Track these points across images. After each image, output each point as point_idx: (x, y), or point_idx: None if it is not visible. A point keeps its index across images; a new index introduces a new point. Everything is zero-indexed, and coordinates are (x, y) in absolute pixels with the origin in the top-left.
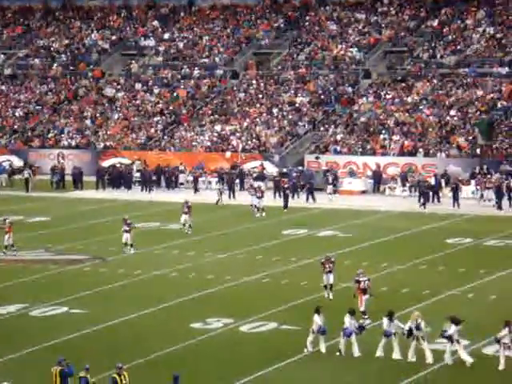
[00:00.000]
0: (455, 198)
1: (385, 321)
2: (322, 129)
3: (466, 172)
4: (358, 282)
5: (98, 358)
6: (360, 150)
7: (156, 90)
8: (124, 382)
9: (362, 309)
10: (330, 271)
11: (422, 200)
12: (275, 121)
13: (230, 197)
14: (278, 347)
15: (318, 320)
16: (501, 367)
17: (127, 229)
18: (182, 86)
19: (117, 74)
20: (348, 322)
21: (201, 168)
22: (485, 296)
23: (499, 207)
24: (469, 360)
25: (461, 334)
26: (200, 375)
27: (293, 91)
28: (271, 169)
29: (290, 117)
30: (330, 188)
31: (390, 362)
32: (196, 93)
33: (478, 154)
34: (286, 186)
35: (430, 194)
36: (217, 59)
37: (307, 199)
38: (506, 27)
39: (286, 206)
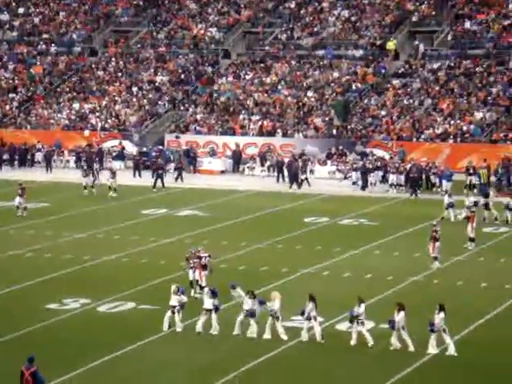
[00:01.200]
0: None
1: (248, 301)
2: (181, 108)
3: (323, 152)
4: (199, 258)
5: None
6: (220, 129)
7: (11, 66)
8: None
9: (203, 284)
10: (193, 267)
11: (286, 180)
12: (135, 100)
13: (86, 175)
14: (136, 327)
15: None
16: (352, 342)
17: None
18: (39, 63)
19: None
20: (208, 301)
21: (58, 146)
22: (339, 273)
23: (363, 187)
24: (319, 338)
25: (317, 312)
26: (57, 356)
27: (152, 70)
28: (131, 148)
29: (150, 96)
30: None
31: (246, 340)
32: (53, 70)
33: (334, 134)
34: (158, 165)
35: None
36: (74, 36)
37: (176, 179)
38: (360, 10)
39: (155, 186)
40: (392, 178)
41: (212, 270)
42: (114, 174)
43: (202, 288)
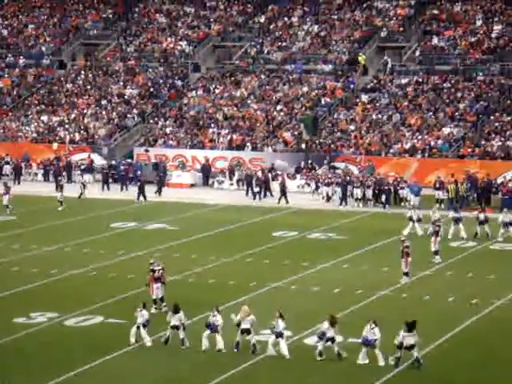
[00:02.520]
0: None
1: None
2: (151, 122)
3: (292, 166)
4: (153, 271)
5: None
6: (189, 143)
7: None
8: None
9: (153, 297)
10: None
11: (253, 193)
12: (104, 112)
13: (57, 189)
14: (104, 341)
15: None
16: (318, 358)
17: None
18: (7, 75)
19: None
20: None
21: (26, 159)
22: (308, 287)
23: (342, 201)
24: (286, 354)
25: (285, 327)
26: (23, 370)
27: (122, 83)
28: (99, 161)
29: (119, 109)
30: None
31: (217, 354)
32: (21, 82)
33: (303, 148)
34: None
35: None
36: (43, 48)
37: (157, 192)
38: (329, 26)
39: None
40: (356, 192)
41: (164, 283)
42: (83, 186)
43: (154, 302)
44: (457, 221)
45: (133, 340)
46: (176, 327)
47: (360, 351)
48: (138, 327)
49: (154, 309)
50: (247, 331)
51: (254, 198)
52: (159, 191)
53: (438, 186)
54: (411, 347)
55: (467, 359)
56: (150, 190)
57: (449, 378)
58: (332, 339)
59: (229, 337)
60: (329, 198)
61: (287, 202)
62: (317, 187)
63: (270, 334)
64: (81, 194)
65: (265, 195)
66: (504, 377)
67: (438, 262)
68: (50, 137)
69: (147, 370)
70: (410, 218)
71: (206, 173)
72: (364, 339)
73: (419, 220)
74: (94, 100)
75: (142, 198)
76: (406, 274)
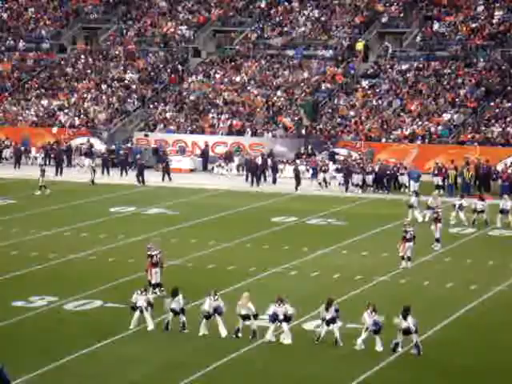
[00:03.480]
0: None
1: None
2: (151, 106)
3: (292, 152)
4: (151, 256)
5: None
6: (189, 128)
7: None
8: None
9: (153, 281)
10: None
11: (253, 178)
12: (104, 97)
13: (57, 173)
14: (103, 325)
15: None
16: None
17: None
18: (6, 59)
19: None
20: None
21: (26, 143)
22: (307, 273)
23: (347, 188)
24: (288, 341)
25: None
26: (23, 354)
27: (122, 67)
28: (99, 145)
29: (119, 93)
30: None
31: (216, 339)
32: (21, 66)
33: (303, 134)
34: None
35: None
36: (43, 32)
37: (163, 178)
38: (330, 11)
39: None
40: (357, 178)
41: (162, 266)
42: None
43: (154, 287)
44: (460, 207)
45: (134, 325)
46: (175, 311)
47: (359, 336)
48: (142, 311)
49: (153, 293)
50: (248, 317)
51: (257, 184)
52: (169, 177)
53: (436, 172)
54: (409, 331)
55: (466, 345)
56: (149, 175)
57: (447, 364)
58: (333, 320)
59: (228, 322)
60: (325, 184)
61: (170, 179)
62: (316, 173)
63: (268, 320)
64: (92, 179)
65: (265, 179)
66: (503, 362)
67: (437, 249)
68: (50, 121)
69: (146, 355)
70: (410, 205)
71: (206, 158)
72: (374, 323)
73: (414, 206)
74: (94, 84)
75: (139, 181)
76: (402, 257)
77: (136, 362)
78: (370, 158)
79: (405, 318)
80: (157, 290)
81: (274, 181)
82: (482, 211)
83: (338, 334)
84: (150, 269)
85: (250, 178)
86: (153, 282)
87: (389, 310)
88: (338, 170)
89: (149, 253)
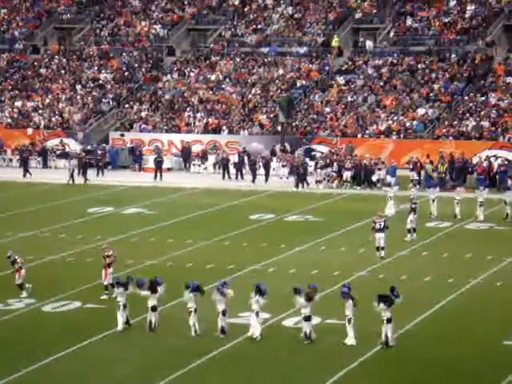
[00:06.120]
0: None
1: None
2: (126, 106)
3: (268, 149)
4: (105, 257)
5: None
6: (165, 127)
7: None
8: None
9: (105, 283)
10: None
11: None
12: (78, 97)
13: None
14: (82, 326)
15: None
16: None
17: None
18: None
19: None
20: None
21: (0, 144)
22: (285, 270)
23: (296, 185)
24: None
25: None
26: (4, 356)
27: (96, 67)
28: (74, 146)
29: (94, 93)
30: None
31: (197, 337)
32: None
33: (278, 131)
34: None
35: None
36: (16, 33)
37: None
38: (303, 8)
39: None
40: (332, 174)
41: (113, 265)
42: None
43: (106, 288)
44: (434, 200)
45: (121, 325)
46: (154, 308)
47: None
48: (125, 307)
49: (106, 295)
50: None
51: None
52: (160, 176)
53: (412, 166)
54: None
55: (444, 338)
56: (126, 175)
57: (426, 356)
58: (308, 317)
59: (208, 320)
60: (297, 184)
61: (161, 177)
62: (291, 170)
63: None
64: (71, 179)
65: (237, 177)
66: (480, 354)
67: (409, 240)
68: (24, 122)
69: (128, 354)
70: (390, 197)
71: (186, 156)
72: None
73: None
74: (69, 85)
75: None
76: (379, 248)
77: (118, 361)
78: (350, 152)
79: (390, 305)
80: (109, 292)
81: (266, 179)
82: (458, 203)
83: (309, 328)
84: (106, 269)
85: (227, 176)
86: (105, 283)
87: (368, 304)
88: (319, 167)
89: (104, 254)
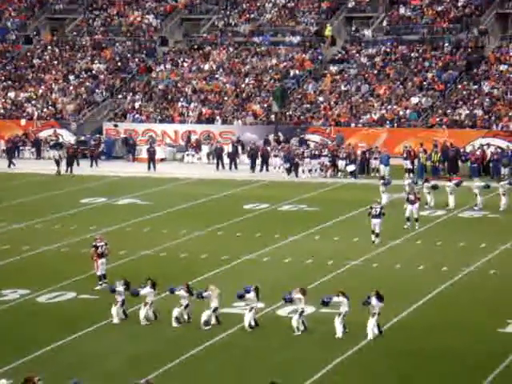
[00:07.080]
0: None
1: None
2: (119, 96)
3: (262, 139)
4: (96, 247)
5: None
6: (158, 117)
7: None
8: None
9: (98, 273)
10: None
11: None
12: (72, 88)
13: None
14: (77, 317)
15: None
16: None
17: None
18: None
19: None
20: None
21: None
22: (280, 259)
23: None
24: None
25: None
26: None
27: (89, 58)
28: (68, 137)
29: (87, 84)
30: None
31: (190, 328)
32: None
33: (272, 121)
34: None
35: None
36: (8, 23)
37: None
38: None
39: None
40: (326, 163)
41: (107, 256)
42: (57, 162)
43: (102, 278)
44: (435, 187)
45: (117, 319)
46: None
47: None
48: (123, 303)
49: (99, 285)
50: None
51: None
52: (153, 166)
53: (405, 155)
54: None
55: (438, 325)
56: (121, 166)
57: (419, 346)
58: (302, 312)
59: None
60: (289, 171)
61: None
62: (288, 160)
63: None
64: (58, 170)
65: (231, 167)
66: (474, 343)
67: (406, 228)
68: (17, 113)
69: (122, 345)
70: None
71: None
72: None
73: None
74: (62, 75)
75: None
76: (374, 233)
77: (112, 352)
78: (340, 142)
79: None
80: (101, 282)
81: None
82: (451, 193)
83: (301, 319)
84: (96, 259)
85: (220, 166)
86: (98, 273)
87: (362, 294)
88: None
89: (94, 243)
